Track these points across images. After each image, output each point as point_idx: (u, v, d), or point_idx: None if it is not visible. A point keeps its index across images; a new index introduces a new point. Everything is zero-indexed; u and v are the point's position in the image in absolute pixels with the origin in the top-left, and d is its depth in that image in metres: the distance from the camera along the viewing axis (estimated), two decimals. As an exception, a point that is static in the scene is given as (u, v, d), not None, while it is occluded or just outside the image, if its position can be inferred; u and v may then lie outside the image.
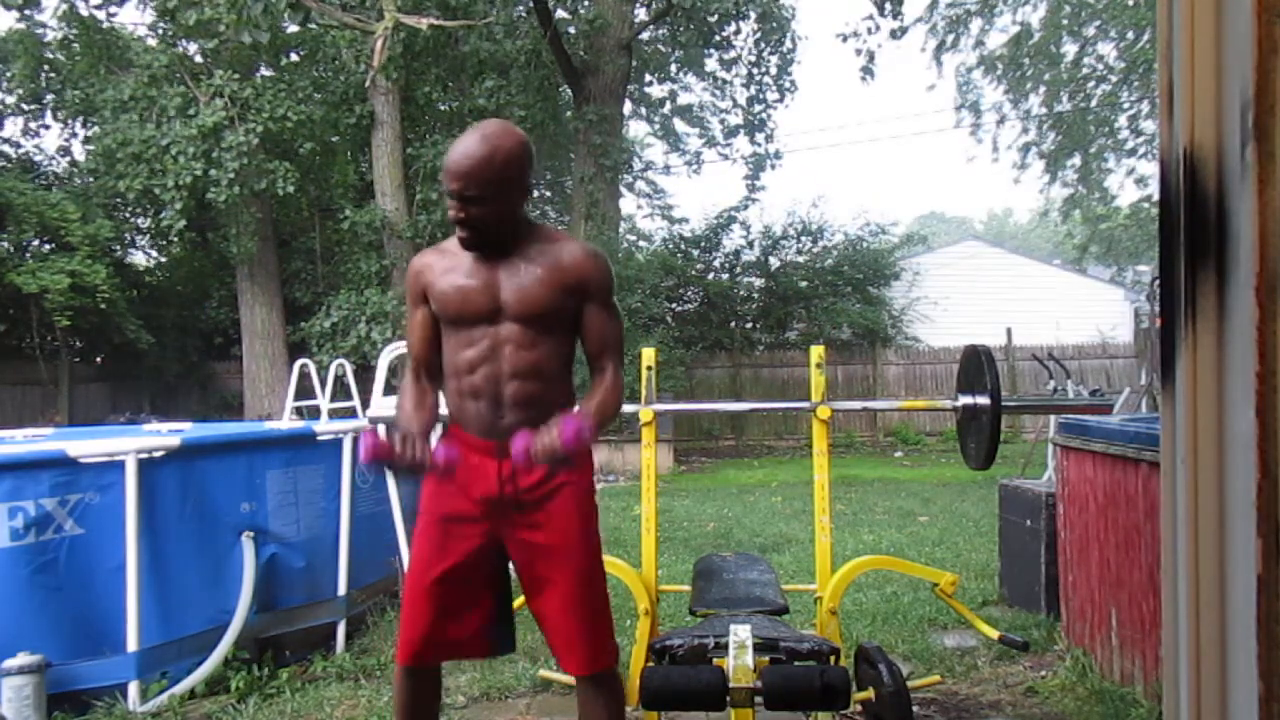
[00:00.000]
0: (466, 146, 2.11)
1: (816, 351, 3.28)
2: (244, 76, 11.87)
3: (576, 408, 2.25)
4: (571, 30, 13.89)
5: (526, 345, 2.20)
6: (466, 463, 2.23)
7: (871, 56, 15.11)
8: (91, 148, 14.24)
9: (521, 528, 2.27)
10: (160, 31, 12.46)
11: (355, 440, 4.55)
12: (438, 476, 2.23)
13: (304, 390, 6.92)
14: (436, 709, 2.43)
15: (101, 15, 12.80)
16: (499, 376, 2.21)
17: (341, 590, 4.42)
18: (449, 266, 2.25)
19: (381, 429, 2.44)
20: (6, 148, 16.06)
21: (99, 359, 15.77)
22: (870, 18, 14.45)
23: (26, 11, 13.65)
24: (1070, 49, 19.18)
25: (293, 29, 12.34)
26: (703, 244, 15.98)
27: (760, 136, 16.76)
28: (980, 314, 15.77)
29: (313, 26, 12.37)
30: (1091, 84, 19.19)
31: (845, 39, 15.10)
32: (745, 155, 17.03)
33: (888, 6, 14.08)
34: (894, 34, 15.03)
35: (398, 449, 2.08)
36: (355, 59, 12.09)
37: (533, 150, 2.20)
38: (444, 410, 2.41)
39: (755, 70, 16.40)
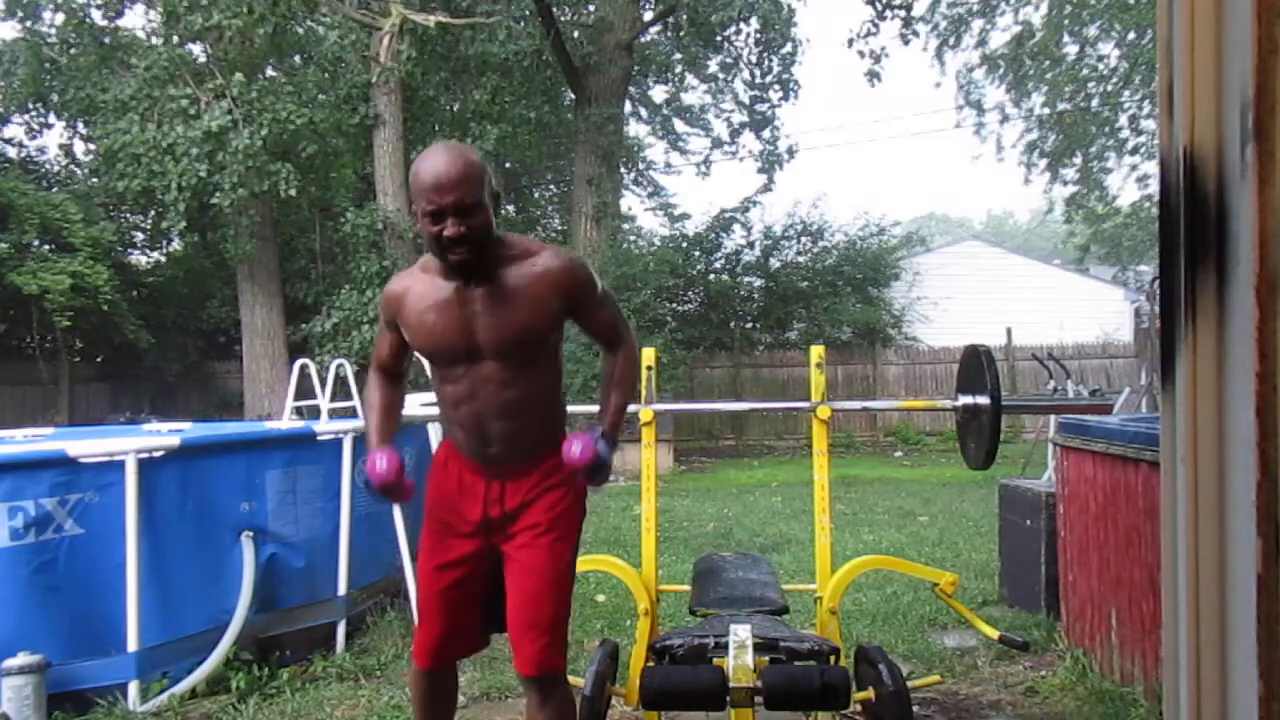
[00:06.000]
0: (440, 160, 2.00)
1: (816, 351, 3.28)
2: (249, 79, 11.86)
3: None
4: (576, 34, 13.88)
5: (508, 382, 2.17)
6: (460, 480, 2.30)
7: (878, 58, 15.08)
8: (93, 147, 14.22)
9: (507, 537, 2.30)
10: (162, 31, 12.43)
11: (356, 441, 4.54)
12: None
13: (304, 390, 6.91)
14: (454, 706, 2.46)
15: (99, 16, 12.76)
16: (482, 414, 2.20)
17: (341, 590, 4.42)
18: (423, 298, 2.17)
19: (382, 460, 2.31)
20: (9, 148, 16.05)
21: (99, 359, 15.77)
22: (872, 20, 14.44)
23: (26, 22, 13.59)
24: (1071, 49, 19.18)
25: (298, 29, 12.31)
26: (704, 244, 15.98)
27: (766, 133, 16.73)
28: (980, 314, 15.76)
29: (320, 26, 12.36)
30: (1092, 84, 19.18)
31: (850, 42, 15.06)
32: (754, 153, 16.98)
33: (888, 12, 14.06)
34: (903, 38, 15.01)
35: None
36: (362, 58, 12.08)
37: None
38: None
39: (756, 71, 16.38)
